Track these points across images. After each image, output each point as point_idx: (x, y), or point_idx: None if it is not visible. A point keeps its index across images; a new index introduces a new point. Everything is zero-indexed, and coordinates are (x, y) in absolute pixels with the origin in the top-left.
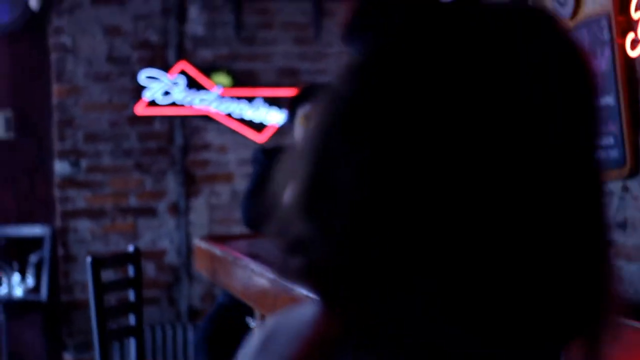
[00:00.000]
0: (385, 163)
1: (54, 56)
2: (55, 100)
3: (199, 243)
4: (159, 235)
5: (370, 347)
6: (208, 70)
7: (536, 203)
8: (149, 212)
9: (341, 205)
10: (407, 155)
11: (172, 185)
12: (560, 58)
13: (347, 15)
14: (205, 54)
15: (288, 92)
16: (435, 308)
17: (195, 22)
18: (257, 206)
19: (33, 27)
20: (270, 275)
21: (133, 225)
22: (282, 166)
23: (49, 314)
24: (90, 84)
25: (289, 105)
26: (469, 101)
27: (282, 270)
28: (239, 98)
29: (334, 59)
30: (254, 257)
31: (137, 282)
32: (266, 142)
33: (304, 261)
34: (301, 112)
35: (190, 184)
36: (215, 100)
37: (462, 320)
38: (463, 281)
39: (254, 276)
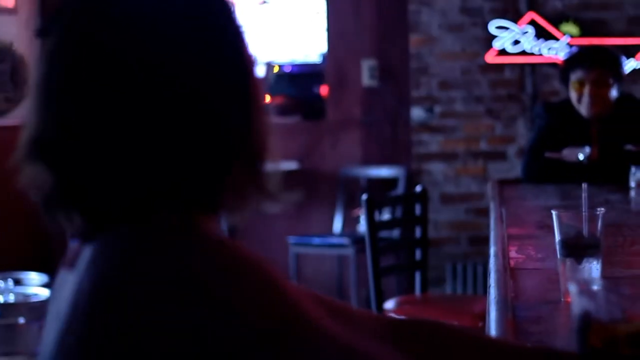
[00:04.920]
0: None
1: (411, 8)
2: (412, 49)
3: None
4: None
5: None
6: (557, 20)
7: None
8: (499, 156)
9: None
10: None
11: (521, 130)
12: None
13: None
14: (555, 4)
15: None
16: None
17: None
18: (538, 160)
19: None
20: None
21: (483, 168)
22: None
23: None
24: (444, 34)
25: (562, 68)
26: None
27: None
28: None
29: None
30: None
31: (423, 220)
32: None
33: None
34: (574, 76)
35: None
36: (563, 50)
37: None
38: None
39: None
